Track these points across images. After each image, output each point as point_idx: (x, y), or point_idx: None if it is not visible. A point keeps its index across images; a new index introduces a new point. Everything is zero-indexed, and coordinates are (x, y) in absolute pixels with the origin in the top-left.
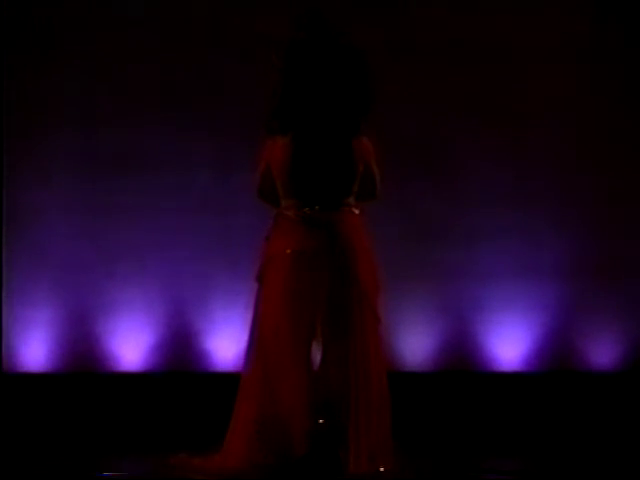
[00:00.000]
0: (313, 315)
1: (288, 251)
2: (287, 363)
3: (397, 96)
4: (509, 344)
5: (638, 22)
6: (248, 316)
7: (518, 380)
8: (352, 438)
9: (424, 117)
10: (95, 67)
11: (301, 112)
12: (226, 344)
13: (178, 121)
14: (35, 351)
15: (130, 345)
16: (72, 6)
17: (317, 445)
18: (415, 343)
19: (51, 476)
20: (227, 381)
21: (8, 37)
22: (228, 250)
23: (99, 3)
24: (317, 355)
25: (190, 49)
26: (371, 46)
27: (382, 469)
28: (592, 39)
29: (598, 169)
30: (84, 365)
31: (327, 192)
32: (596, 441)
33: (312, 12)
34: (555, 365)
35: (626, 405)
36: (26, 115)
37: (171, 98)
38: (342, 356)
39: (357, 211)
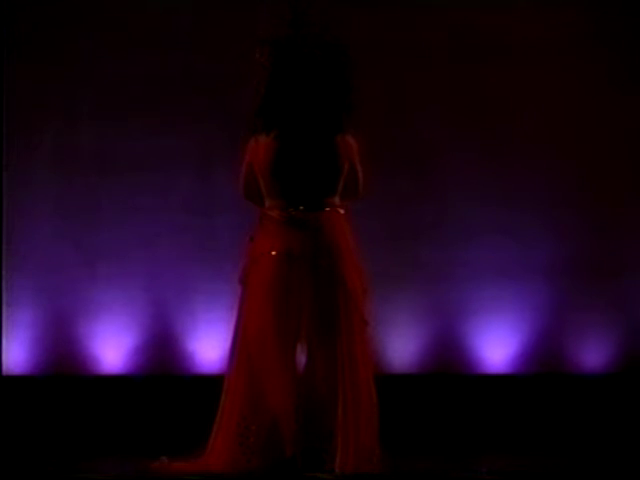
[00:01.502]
0: (298, 317)
1: (273, 252)
2: (272, 366)
3: (385, 96)
4: (497, 346)
5: (635, 19)
6: (231, 318)
7: (505, 382)
8: (340, 441)
9: (412, 117)
10: (78, 68)
11: (284, 110)
12: (209, 346)
13: (161, 122)
14: (16, 353)
15: (112, 347)
16: (54, 7)
17: (302, 447)
18: (402, 345)
19: (32, 477)
20: (210, 383)
21: None
22: (211, 251)
23: (83, 3)
24: (302, 357)
25: (173, 50)
26: (360, 45)
27: (369, 471)
28: (584, 39)
29: (586, 170)
30: (65, 367)
31: (311, 191)
32: (584, 442)
33: (295, 11)
34: (543, 367)
35: (613, 407)
36: (6, 117)
37: (154, 99)
38: (329, 359)
39: (342, 211)
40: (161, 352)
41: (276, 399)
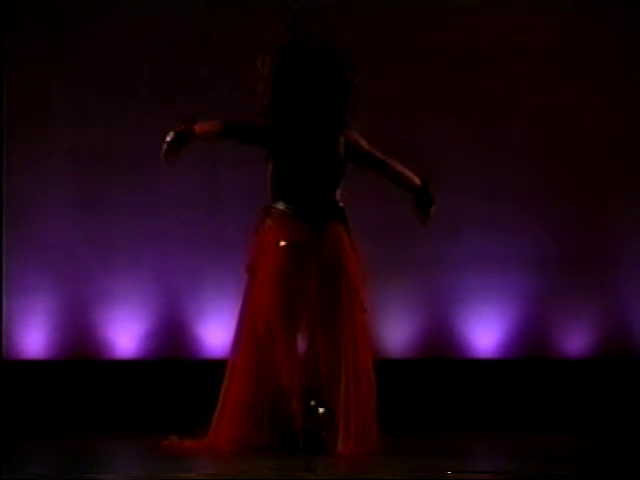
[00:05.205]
0: (304, 303)
1: (282, 243)
2: (279, 348)
3: (381, 93)
4: (484, 332)
5: (626, 24)
6: (237, 306)
7: (493, 366)
8: (342, 422)
9: (406, 113)
10: (88, 68)
11: (288, 111)
12: (216, 332)
13: (169, 119)
14: (34, 339)
15: (125, 333)
16: (64, 8)
17: (304, 426)
18: (396, 331)
19: (49, 457)
20: (217, 367)
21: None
22: (218, 243)
23: (90, 5)
24: (304, 341)
25: (177, 50)
26: (357, 48)
27: (366, 451)
28: (571, 39)
29: (569, 168)
30: (81, 352)
31: (315, 186)
32: (566, 421)
33: (294, 18)
34: (527, 352)
35: (593, 389)
36: (23, 113)
37: (164, 99)
38: (332, 342)
39: (342, 205)
40: (171, 338)
41: (283, 379)
